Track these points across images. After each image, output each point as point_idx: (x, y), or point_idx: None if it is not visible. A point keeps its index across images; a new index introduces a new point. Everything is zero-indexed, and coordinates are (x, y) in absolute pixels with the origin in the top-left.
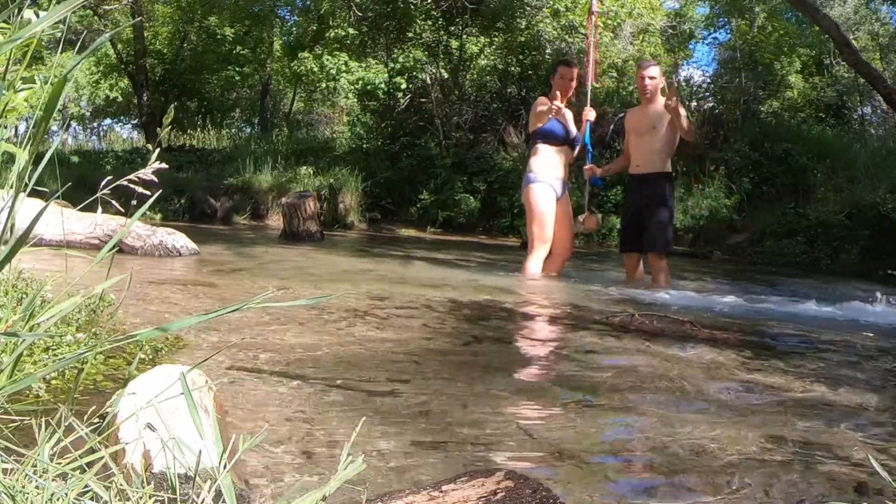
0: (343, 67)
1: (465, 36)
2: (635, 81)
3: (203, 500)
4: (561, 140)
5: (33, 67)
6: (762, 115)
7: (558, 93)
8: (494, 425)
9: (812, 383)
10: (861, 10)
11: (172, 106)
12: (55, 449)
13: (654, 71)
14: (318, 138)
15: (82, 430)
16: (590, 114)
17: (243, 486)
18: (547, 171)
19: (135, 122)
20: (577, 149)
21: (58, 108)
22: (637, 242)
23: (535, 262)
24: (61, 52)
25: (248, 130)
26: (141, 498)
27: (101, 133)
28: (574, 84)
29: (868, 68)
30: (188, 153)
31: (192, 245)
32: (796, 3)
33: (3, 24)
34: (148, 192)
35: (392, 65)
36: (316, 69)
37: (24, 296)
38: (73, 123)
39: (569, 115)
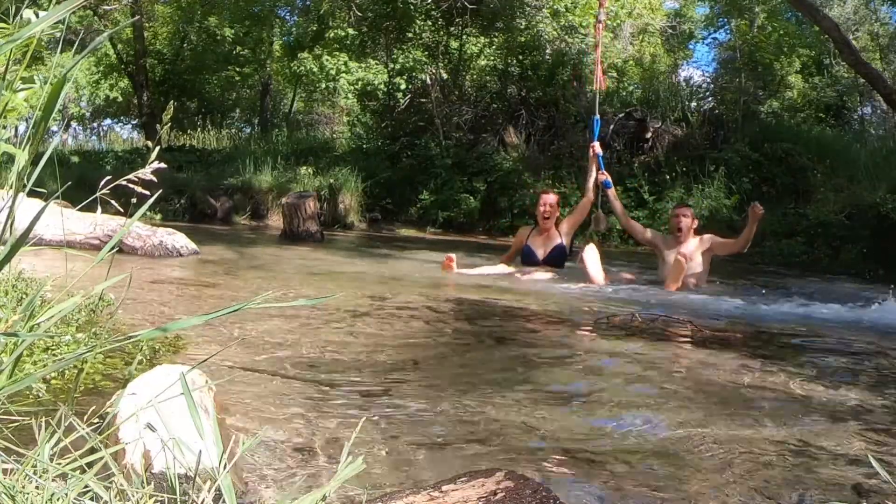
0: (343, 68)
1: (464, 36)
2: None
3: (203, 500)
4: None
5: (33, 67)
6: (762, 115)
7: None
8: (495, 425)
9: (812, 383)
10: (861, 10)
11: (172, 103)
12: (55, 449)
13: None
14: (318, 138)
15: (83, 429)
16: (597, 147)
17: (243, 486)
18: None
19: (135, 122)
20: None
21: (57, 108)
22: None
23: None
24: (61, 52)
25: (248, 130)
26: (141, 498)
27: (101, 133)
28: (557, 211)
29: (868, 68)
30: (188, 153)
31: (192, 245)
32: (796, 3)
33: (3, 25)
34: (147, 193)
35: (392, 65)
36: (316, 69)
37: (24, 296)
38: (73, 123)
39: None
